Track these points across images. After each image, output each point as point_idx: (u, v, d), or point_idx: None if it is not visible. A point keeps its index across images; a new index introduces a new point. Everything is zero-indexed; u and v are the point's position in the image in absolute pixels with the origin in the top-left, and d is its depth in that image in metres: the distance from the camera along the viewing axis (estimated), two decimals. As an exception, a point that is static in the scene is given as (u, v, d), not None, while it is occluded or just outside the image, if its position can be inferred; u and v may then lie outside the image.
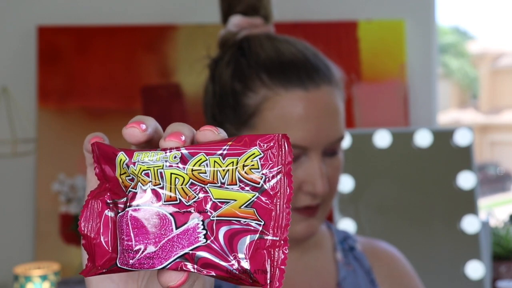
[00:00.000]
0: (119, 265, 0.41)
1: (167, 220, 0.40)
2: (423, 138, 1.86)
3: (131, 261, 0.40)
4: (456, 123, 12.14)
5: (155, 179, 0.40)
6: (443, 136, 1.86)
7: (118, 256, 0.41)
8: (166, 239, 0.40)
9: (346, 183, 1.83)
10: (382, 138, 1.86)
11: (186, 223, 0.39)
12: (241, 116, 0.85)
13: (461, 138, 1.85)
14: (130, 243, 0.40)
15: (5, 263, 2.01)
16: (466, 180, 1.83)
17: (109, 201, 0.42)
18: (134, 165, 0.40)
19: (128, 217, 0.40)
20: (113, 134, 2.25)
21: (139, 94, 2.05)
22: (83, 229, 0.42)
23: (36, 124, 2.03)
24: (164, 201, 0.40)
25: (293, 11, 2.10)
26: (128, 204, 0.40)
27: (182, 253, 0.39)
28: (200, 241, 0.39)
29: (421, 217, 1.83)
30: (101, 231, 0.42)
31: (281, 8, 2.08)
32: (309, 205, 0.85)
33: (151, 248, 0.40)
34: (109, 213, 0.42)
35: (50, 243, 1.99)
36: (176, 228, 0.39)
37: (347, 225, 1.80)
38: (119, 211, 0.41)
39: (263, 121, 0.84)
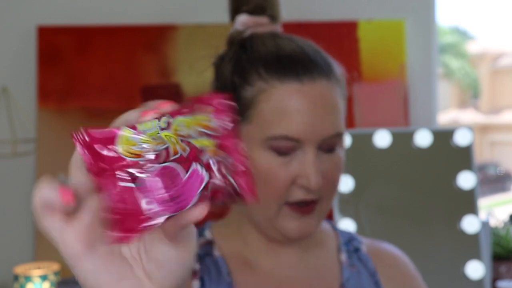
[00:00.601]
0: (162, 217, 0.49)
1: (179, 170, 0.49)
2: (423, 138, 1.85)
3: (171, 208, 0.48)
4: (456, 123, 12.14)
5: (161, 141, 0.48)
6: (443, 136, 1.86)
7: (155, 211, 0.48)
8: (184, 185, 0.49)
9: (346, 183, 1.83)
10: (382, 138, 1.85)
11: (190, 169, 0.49)
12: (239, 108, 0.87)
13: (461, 138, 1.85)
14: (165, 194, 0.48)
15: (5, 263, 2.01)
16: (466, 180, 1.83)
17: (122, 174, 0.48)
18: (143, 134, 0.48)
19: (156, 175, 0.48)
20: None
21: (139, 94, 2.05)
22: (108, 202, 0.49)
23: (36, 124, 2.03)
24: (172, 156, 0.49)
25: (294, 11, 2.09)
26: (150, 165, 0.48)
27: (200, 189, 0.49)
28: (205, 178, 0.49)
29: (421, 217, 1.83)
30: (126, 200, 0.48)
31: (282, 8, 2.09)
32: (304, 200, 0.85)
33: (179, 193, 0.49)
34: (127, 184, 0.48)
35: (50, 243, 1.98)
36: (185, 175, 0.49)
37: (347, 225, 1.80)
38: (141, 174, 0.48)
39: (258, 113, 0.85)
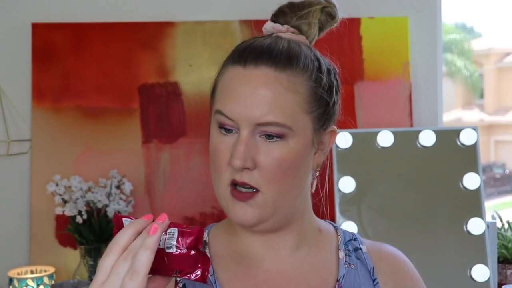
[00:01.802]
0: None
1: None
2: (427, 138, 1.83)
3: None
4: (461, 123, 12.11)
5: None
6: (448, 136, 1.84)
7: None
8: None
9: (348, 184, 1.80)
10: (385, 138, 1.83)
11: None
12: (212, 91, 0.95)
13: (466, 138, 1.83)
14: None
15: (-1, 266, 1.98)
16: (471, 180, 1.81)
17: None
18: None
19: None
20: (109, 134, 2.21)
21: (136, 92, 2.01)
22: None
23: (31, 124, 1.99)
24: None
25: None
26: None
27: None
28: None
29: (425, 219, 1.81)
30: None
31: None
32: (235, 180, 0.89)
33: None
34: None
35: (45, 245, 1.96)
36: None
37: (348, 227, 1.77)
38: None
39: (215, 92, 0.94)
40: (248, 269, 0.95)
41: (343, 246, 1.01)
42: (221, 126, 0.90)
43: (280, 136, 0.89)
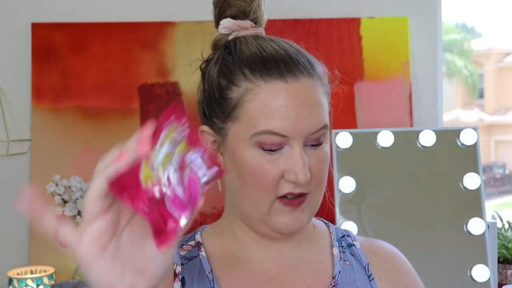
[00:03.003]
0: (186, 217, 0.59)
1: (183, 179, 0.60)
2: (427, 138, 1.83)
3: (189, 208, 0.59)
4: (461, 123, 12.11)
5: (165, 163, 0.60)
6: (448, 136, 1.84)
7: (180, 214, 0.58)
8: (190, 187, 0.60)
9: (348, 184, 1.80)
10: (386, 138, 1.83)
11: (185, 174, 0.61)
12: (226, 109, 0.92)
13: (467, 138, 1.83)
14: (182, 201, 0.59)
15: (-1, 266, 1.98)
16: (471, 181, 1.81)
17: (151, 198, 0.58)
18: (154, 164, 0.59)
19: (172, 190, 0.59)
20: (109, 134, 2.22)
21: (136, 92, 2.01)
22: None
23: (30, 124, 1.99)
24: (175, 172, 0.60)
25: (296, 8, 2.08)
26: (166, 184, 0.59)
27: (201, 185, 0.61)
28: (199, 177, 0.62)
29: (426, 219, 1.81)
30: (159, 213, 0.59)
31: (284, 5, 2.06)
32: (291, 193, 0.89)
33: (189, 196, 0.60)
34: (155, 202, 0.58)
35: (44, 245, 1.96)
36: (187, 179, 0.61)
37: (349, 227, 1.77)
38: (164, 192, 0.59)
39: (244, 112, 0.90)
40: (246, 270, 0.95)
41: (336, 242, 1.01)
42: (266, 147, 0.89)
43: (322, 140, 0.92)
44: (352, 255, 1.00)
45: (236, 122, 0.91)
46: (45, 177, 1.95)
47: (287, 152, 0.89)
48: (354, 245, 1.02)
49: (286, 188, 0.88)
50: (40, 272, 1.88)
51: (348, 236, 1.03)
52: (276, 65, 0.91)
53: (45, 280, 1.83)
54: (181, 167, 0.60)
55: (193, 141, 0.63)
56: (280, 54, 0.93)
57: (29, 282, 1.81)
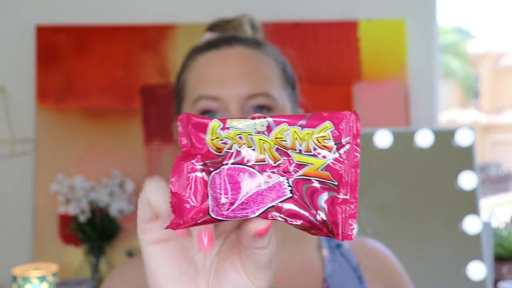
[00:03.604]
0: (213, 216, 0.47)
1: (257, 177, 0.47)
2: (424, 138, 1.84)
3: (225, 212, 0.47)
4: (457, 123, 12.12)
5: (247, 142, 0.47)
6: (444, 136, 1.85)
7: (211, 209, 0.47)
8: (257, 193, 0.47)
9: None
10: (383, 138, 1.84)
11: (273, 180, 0.47)
12: (178, 94, 0.94)
13: (463, 138, 1.84)
14: (226, 196, 0.47)
15: (3, 264, 2.00)
16: (467, 180, 1.82)
17: (198, 164, 0.48)
18: (229, 130, 0.47)
19: (225, 173, 0.47)
20: (112, 134, 2.24)
21: (138, 93, 2.04)
22: (173, 188, 0.48)
23: (35, 124, 2.02)
24: (255, 161, 0.47)
25: (293, 10, 2.09)
26: (224, 162, 0.47)
27: (271, 204, 0.47)
28: (286, 195, 0.47)
29: (422, 217, 1.82)
30: (192, 189, 0.47)
31: (281, 8, 2.08)
32: None
33: (244, 200, 0.47)
34: (198, 174, 0.48)
35: (48, 243, 1.98)
36: (264, 184, 0.47)
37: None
38: (213, 169, 0.47)
39: (187, 88, 0.91)
40: None
41: (326, 243, 0.99)
42: (206, 112, 0.88)
43: (269, 109, 0.89)
44: (342, 255, 0.98)
45: (184, 100, 0.92)
46: (49, 176, 1.98)
47: (224, 116, 0.88)
48: (342, 245, 1.00)
49: None
50: (44, 269, 1.89)
51: None
52: (215, 40, 0.93)
53: (49, 278, 1.84)
54: (283, 169, 0.48)
55: (338, 175, 0.48)
56: (225, 35, 0.95)
57: (33, 280, 1.82)
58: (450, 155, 1.85)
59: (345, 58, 2.06)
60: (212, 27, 1.06)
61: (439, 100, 2.17)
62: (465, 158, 1.84)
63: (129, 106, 2.03)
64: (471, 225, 1.80)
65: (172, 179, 0.48)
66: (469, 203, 1.82)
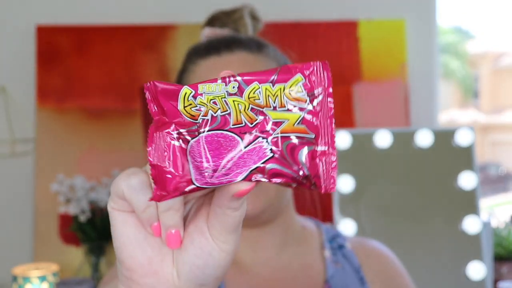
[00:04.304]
0: (198, 185, 0.47)
1: (236, 140, 0.47)
2: (424, 138, 1.85)
3: (209, 179, 0.47)
4: (457, 123, 12.12)
5: (222, 106, 0.46)
6: (444, 136, 1.86)
7: (194, 177, 0.47)
8: (238, 156, 0.46)
9: (346, 183, 1.82)
10: (383, 138, 1.85)
11: (253, 141, 0.47)
12: None
13: (462, 138, 1.84)
14: (207, 163, 0.47)
15: (3, 264, 2.00)
16: (467, 180, 1.82)
17: (174, 132, 0.47)
18: (202, 96, 0.46)
19: (203, 141, 0.47)
20: (112, 134, 2.24)
21: (139, 94, 2.04)
22: (152, 159, 0.48)
23: (35, 124, 2.02)
24: (232, 125, 0.47)
25: (293, 10, 2.09)
26: (201, 129, 0.47)
27: (254, 166, 0.47)
28: (267, 155, 0.47)
29: (422, 217, 1.82)
30: (171, 159, 0.47)
31: (281, 8, 2.08)
32: None
33: (227, 166, 0.47)
34: (176, 143, 0.47)
35: (49, 243, 1.98)
36: (245, 147, 0.47)
37: (347, 225, 1.79)
38: (191, 138, 0.47)
39: None
40: (240, 273, 0.93)
41: (328, 244, 0.99)
42: None
43: None
44: (344, 257, 0.98)
45: None
46: (49, 176, 1.98)
47: None
48: (344, 246, 1.00)
49: None
50: (44, 269, 1.90)
51: (338, 236, 1.01)
52: (216, 44, 0.93)
53: (49, 277, 1.84)
54: (260, 129, 0.47)
55: (315, 126, 0.47)
56: (225, 36, 0.95)
57: (34, 279, 1.83)
58: (450, 155, 1.85)
59: (345, 58, 2.06)
60: (211, 21, 1.05)
61: (439, 100, 2.17)
62: (464, 158, 1.84)
63: (129, 106, 2.03)
64: (471, 225, 1.80)
65: (149, 149, 0.48)
66: (468, 203, 1.82)
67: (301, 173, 0.47)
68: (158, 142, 0.48)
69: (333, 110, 0.48)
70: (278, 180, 0.47)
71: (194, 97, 0.47)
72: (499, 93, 13.95)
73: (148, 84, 0.48)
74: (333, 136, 0.48)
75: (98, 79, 2.04)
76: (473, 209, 1.81)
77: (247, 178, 0.47)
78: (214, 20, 1.04)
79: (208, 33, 1.01)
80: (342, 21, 2.08)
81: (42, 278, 1.83)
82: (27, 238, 2.03)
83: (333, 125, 0.48)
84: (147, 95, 0.48)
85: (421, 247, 1.80)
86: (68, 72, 2.03)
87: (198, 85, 0.47)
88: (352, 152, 1.83)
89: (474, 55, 14.52)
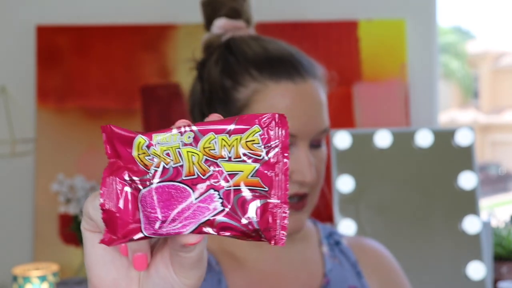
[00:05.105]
0: (146, 234, 0.47)
1: (188, 192, 0.47)
2: (424, 138, 1.85)
3: (158, 230, 0.47)
4: (457, 123, 12.13)
5: (175, 158, 0.46)
6: (444, 136, 1.86)
7: (143, 226, 0.47)
8: (188, 209, 0.47)
9: (346, 183, 1.82)
10: (383, 138, 1.85)
11: (204, 193, 0.47)
12: (231, 110, 0.90)
13: (462, 138, 1.85)
14: (156, 214, 0.47)
15: (4, 264, 2.00)
16: (467, 180, 1.83)
17: (127, 178, 0.47)
18: (155, 147, 0.46)
19: (154, 192, 0.47)
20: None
21: (139, 93, 2.04)
22: (103, 203, 0.48)
23: (35, 124, 2.02)
24: (184, 176, 0.47)
25: (293, 11, 2.09)
26: (152, 180, 0.47)
27: (203, 220, 0.47)
28: (217, 208, 0.47)
29: (422, 217, 1.82)
30: (122, 205, 0.47)
31: (281, 8, 2.08)
32: (297, 193, 0.88)
33: (176, 217, 0.47)
34: (128, 189, 0.47)
35: (49, 243, 1.98)
36: (196, 199, 0.47)
37: (347, 225, 1.79)
38: (142, 187, 0.47)
39: (252, 110, 0.89)
40: (243, 268, 0.95)
41: (325, 240, 1.02)
42: None
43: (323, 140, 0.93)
44: (341, 252, 1.01)
45: None
46: (49, 176, 1.98)
47: (293, 152, 0.88)
48: (341, 242, 1.02)
49: (292, 189, 0.88)
50: (44, 269, 1.90)
51: (335, 233, 1.03)
52: (283, 65, 0.90)
53: (50, 277, 1.84)
54: (213, 181, 0.47)
55: (269, 179, 0.48)
56: (284, 55, 0.92)
57: (34, 279, 1.83)
58: (450, 155, 1.85)
59: (345, 58, 2.06)
60: (224, 14, 0.99)
61: (439, 100, 2.17)
62: (464, 158, 1.84)
63: (129, 106, 2.03)
64: (470, 225, 1.80)
65: (101, 191, 0.48)
66: (468, 203, 1.82)
67: (250, 227, 0.47)
68: (111, 186, 0.48)
69: (288, 165, 0.48)
70: (227, 233, 0.47)
71: (148, 147, 0.47)
72: (499, 93, 13.96)
73: (105, 127, 0.48)
74: (286, 190, 0.48)
75: (98, 79, 2.04)
76: (473, 209, 1.81)
77: (196, 230, 0.47)
78: (223, 7, 0.99)
79: (225, 25, 0.97)
80: (342, 21, 2.09)
81: (42, 278, 1.83)
82: (27, 238, 2.03)
83: (288, 178, 0.48)
84: (104, 136, 0.48)
85: (421, 247, 1.80)
86: (68, 72, 2.03)
87: (152, 134, 0.47)
88: (352, 152, 1.83)
89: (474, 55, 14.52)
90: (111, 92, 2.03)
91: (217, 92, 0.92)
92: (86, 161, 2.01)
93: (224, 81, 0.92)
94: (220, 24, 0.97)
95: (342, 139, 1.83)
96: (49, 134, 2.01)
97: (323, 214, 1.84)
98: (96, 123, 2.02)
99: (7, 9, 2.07)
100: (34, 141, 2.02)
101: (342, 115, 2.03)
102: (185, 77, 2.04)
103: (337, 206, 1.81)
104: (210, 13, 1.00)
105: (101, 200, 0.48)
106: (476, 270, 1.77)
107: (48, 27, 2.03)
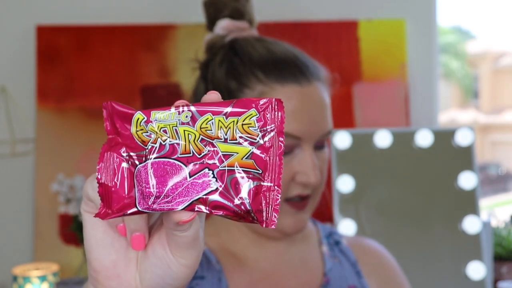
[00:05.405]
0: (140, 209, 0.48)
1: (182, 169, 0.48)
2: (424, 138, 1.85)
3: (151, 205, 0.48)
4: (457, 123, 12.13)
5: (172, 135, 0.47)
6: (444, 136, 1.86)
7: (137, 201, 0.48)
8: (182, 186, 0.47)
9: (346, 183, 1.82)
10: (383, 138, 1.85)
11: (198, 172, 0.48)
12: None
13: (462, 138, 1.85)
14: (150, 189, 0.48)
15: (4, 264, 2.00)
16: (467, 180, 1.83)
17: (124, 154, 0.49)
18: (153, 123, 0.48)
19: (149, 167, 0.48)
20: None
21: (139, 93, 2.04)
22: (100, 177, 0.49)
23: (35, 124, 2.02)
24: (180, 154, 0.48)
25: (293, 11, 2.10)
26: (149, 156, 0.48)
27: (197, 197, 0.47)
28: (211, 187, 0.48)
29: (422, 217, 1.83)
30: (118, 180, 0.49)
31: (281, 8, 2.08)
32: (300, 195, 0.89)
33: (169, 193, 0.47)
34: (125, 164, 0.49)
35: (49, 243, 1.98)
36: (190, 177, 0.48)
37: (347, 225, 1.80)
38: (138, 162, 0.48)
39: None
40: (243, 267, 0.95)
41: (325, 240, 1.02)
42: None
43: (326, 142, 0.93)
44: (340, 252, 1.01)
45: None
46: (50, 176, 1.98)
47: (298, 154, 0.89)
48: (341, 242, 1.03)
49: (295, 190, 0.89)
50: (44, 269, 1.90)
51: (334, 233, 1.04)
52: (288, 68, 0.90)
53: (50, 277, 1.85)
54: (207, 160, 0.48)
55: (263, 162, 0.48)
56: (289, 57, 0.92)
57: (34, 279, 1.83)
58: (450, 155, 1.85)
59: (345, 58, 2.06)
60: (231, 14, 0.98)
61: (439, 100, 2.17)
62: (464, 158, 1.84)
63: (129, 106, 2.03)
64: (470, 225, 1.80)
65: (99, 166, 0.49)
66: (468, 203, 1.82)
67: (243, 207, 0.48)
68: (108, 161, 0.49)
69: (282, 148, 0.49)
70: (219, 212, 0.48)
71: (146, 123, 0.48)
72: (499, 93, 13.96)
73: (106, 103, 0.50)
74: (280, 174, 0.49)
75: (98, 79, 2.04)
76: (473, 209, 1.81)
77: (189, 208, 0.48)
78: (225, 8, 0.98)
79: (228, 25, 0.97)
80: (342, 21, 2.09)
81: (42, 278, 1.84)
82: (27, 238, 2.03)
83: (282, 162, 0.49)
84: (104, 113, 0.50)
85: (421, 247, 1.80)
86: (68, 72, 2.03)
87: (151, 111, 0.48)
88: (352, 152, 1.84)
89: (474, 55, 14.52)
90: (111, 92, 2.04)
91: (222, 94, 0.90)
92: (86, 161, 2.01)
93: (229, 82, 0.92)
94: (224, 25, 0.97)
95: (342, 139, 1.83)
96: (49, 134, 2.01)
97: (323, 214, 1.84)
98: (96, 123, 2.02)
99: (7, 9, 2.07)
100: (34, 141, 2.02)
101: (342, 115, 2.03)
102: (185, 77, 2.04)
103: (337, 206, 1.81)
104: (213, 13, 0.99)
105: (98, 175, 0.49)
106: (476, 270, 1.78)
107: (48, 27, 2.03)
